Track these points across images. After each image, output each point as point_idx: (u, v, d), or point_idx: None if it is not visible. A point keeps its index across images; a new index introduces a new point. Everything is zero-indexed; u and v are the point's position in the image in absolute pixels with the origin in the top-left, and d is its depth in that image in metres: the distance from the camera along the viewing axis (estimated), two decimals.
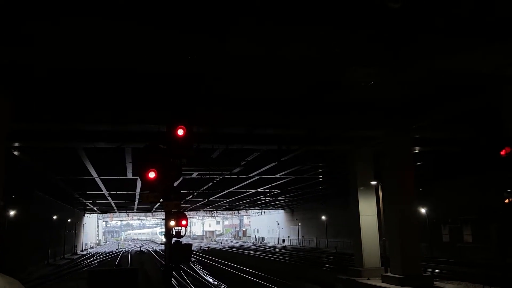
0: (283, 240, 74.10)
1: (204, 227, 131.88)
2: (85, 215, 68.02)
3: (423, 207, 33.82)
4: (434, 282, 16.31)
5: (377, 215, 19.80)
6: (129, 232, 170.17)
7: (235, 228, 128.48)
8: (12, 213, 26.97)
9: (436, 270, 22.83)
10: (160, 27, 8.84)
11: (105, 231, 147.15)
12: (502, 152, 11.58)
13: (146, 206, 56.40)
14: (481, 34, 10.15)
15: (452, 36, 9.98)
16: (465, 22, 9.50)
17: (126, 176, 25.32)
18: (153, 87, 12.84)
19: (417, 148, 19.88)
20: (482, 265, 20.79)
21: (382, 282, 16.63)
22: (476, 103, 14.25)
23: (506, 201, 11.38)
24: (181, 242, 9.66)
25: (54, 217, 39.86)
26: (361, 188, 19.62)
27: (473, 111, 15.42)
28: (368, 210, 19.58)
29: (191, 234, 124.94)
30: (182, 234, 9.54)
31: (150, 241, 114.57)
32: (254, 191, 39.63)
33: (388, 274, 16.85)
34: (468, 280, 18.97)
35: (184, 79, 12.03)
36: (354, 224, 19.82)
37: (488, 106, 14.82)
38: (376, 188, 19.92)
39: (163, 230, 9.67)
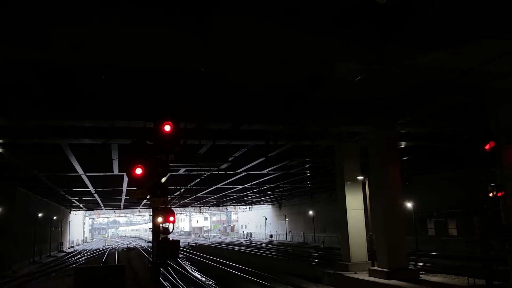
0: (271, 236, 74.36)
1: (191, 223, 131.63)
2: (71, 212, 67.38)
3: (409, 201, 34.22)
4: (420, 275, 16.51)
5: (364, 209, 19.98)
6: (122, 228, 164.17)
7: (223, 224, 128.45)
8: None
9: (422, 264, 23.15)
10: (146, 22, 8.79)
11: (92, 228, 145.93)
12: (487, 147, 11.77)
13: (133, 203, 56.08)
14: (460, 32, 10.31)
15: (432, 33, 10.11)
16: (444, 20, 9.65)
17: (113, 172, 25.10)
18: (139, 83, 12.73)
19: (403, 143, 20.07)
20: (466, 257, 21.15)
21: (369, 276, 16.78)
22: (461, 99, 14.42)
23: (490, 194, 11.54)
24: (169, 238, 9.64)
25: (40, 215, 39.41)
26: (348, 183, 19.75)
27: (458, 106, 15.60)
28: (355, 205, 19.72)
29: (179, 230, 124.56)
30: (170, 230, 9.52)
31: (138, 237, 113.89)
32: (242, 187, 39.62)
33: (375, 268, 17.01)
34: (453, 273, 19.29)
35: (170, 75, 11.95)
36: (342, 219, 19.95)
37: (472, 102, 15.01)
38: (363, 183, 20.08)
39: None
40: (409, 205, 34.29)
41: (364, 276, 16.89)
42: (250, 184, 37.49)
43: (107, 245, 73.94)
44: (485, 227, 11.54)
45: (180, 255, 32.16)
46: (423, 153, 23.81)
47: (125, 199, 45.91)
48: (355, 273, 17.93)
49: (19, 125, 14.97)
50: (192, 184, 34.48)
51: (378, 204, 17.33)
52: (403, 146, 20.66)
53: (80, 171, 24.76)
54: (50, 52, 9.38)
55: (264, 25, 9.34)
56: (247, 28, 9.33)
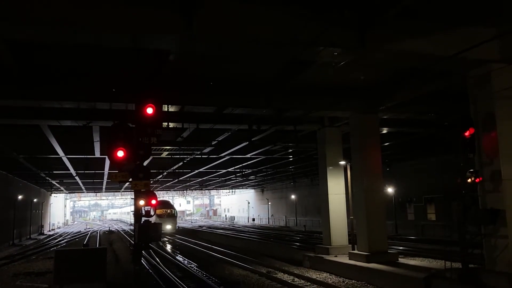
0: (253, 219, 74.85)
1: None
2: (52, 194, 66.64)
3: (389, 187, 34.74)
4: (399, 259, 16.85)
5: (346, 194, 20.21)
6: (114, 211, 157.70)
7: (206, 207, 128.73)
8: None
9: (401, 247, 23.60)
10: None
11: (73, 211, 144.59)
12: (466, 133, 11.95)
13: (114, 186, 55.69)
14: (444, 18, 10.37)
15: (414, 19, 10.16)
16: (428, 6, 9.68)
17: (94, 155, 24.84)
18: (121, 63, 12.51)
19: (384, 128, 20.27)
20: (443, 242, 21.67)
21: (349, 259, 17.06)
22: (441, 85, 14.57)
23: (469, 180, 11.78)
24: (151, 221, 9.63)
25: (19, 197, 38.90)
26: (330, 167, 19.91)
27: (439, 93, 15.78)
28: (336, 189, 19.92)
29: None
30: (152, 213, 9.51)
31: (119, 220, 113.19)
32: (225, 171, 39.66)
33: (355, 251, 17.29)
34: (431, 257, 19.75)
35: (153, 57, 11.77)
36: (323, 203, 20.16)
37: (453, 89, 15.19)
38: (344, 168, 20.26)
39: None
40: (389, 190, 34.81)
41: (344, 260, 17.17)
42: (233, 168, 37.55)
43: (89, 228, 73.57)
44: (463, 212, 11.79)
45: (163, 238, 32.12)
46: (404, 139, 24.10)
47: (107, 182, 45.55)
48: (336, 256, 18.21)
49: None
50: (174, 167, 34.36)
51: (359, 188, 17.55)
52: (384, 131, 20.88)
53: (61, 153, 24.42)
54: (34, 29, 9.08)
55: (247, 7, 9.24)
56: (230, 9, 9.21)
